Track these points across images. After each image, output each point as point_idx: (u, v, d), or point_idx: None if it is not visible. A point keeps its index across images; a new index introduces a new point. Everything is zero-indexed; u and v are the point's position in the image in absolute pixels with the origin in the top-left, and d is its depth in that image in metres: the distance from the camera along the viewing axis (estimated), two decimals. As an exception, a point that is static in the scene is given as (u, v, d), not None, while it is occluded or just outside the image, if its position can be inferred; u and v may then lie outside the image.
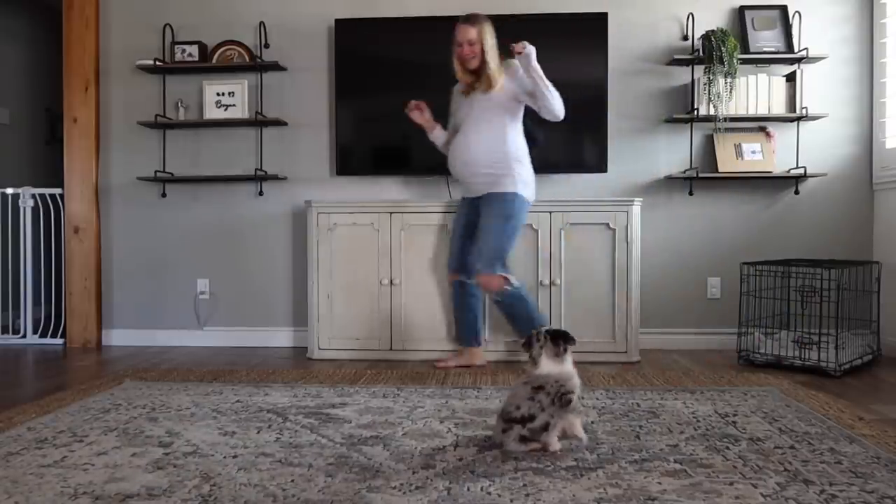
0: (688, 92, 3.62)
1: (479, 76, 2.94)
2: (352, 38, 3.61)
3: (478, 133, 2.95)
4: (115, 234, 3.89)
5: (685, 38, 3.64)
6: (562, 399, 1.87)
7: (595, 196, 3.62)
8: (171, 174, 3.77)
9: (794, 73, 3.53)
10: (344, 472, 1.78)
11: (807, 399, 2.49)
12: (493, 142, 2.94)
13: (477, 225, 3.01)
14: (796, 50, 3.53)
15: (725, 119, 3.45)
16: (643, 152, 3.68)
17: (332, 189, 3.75)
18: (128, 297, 3.88)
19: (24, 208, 3.94)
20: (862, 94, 3.62)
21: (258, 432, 2.13)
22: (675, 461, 1.85)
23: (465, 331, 3.20)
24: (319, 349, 3.42)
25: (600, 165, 3.54)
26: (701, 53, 3.47)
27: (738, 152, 3.57)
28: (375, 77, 3.62)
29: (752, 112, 3.52)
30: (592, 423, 2.22)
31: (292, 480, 1.72)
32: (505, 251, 2.97)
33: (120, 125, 3.85)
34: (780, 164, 3.61)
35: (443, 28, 3.57)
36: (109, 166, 3.88)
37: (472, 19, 2.92)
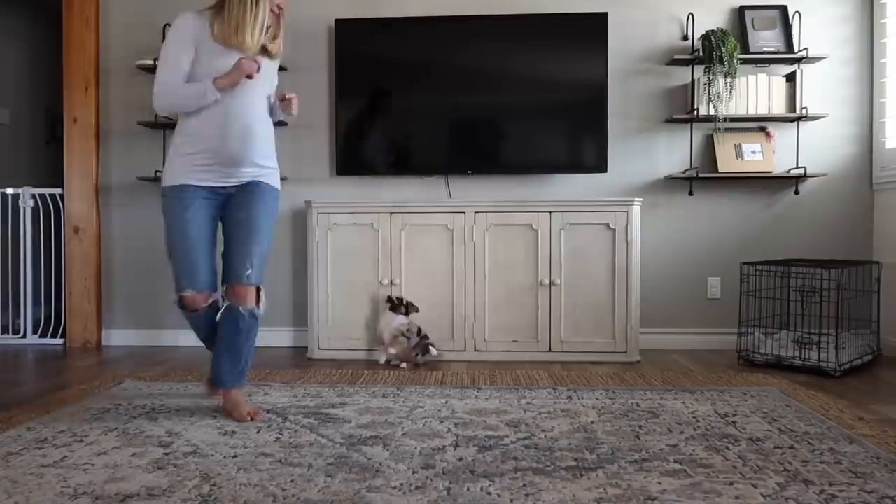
0: (688, 92, 3.62)
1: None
2: (352, 38, 3.61)
3: (262, 105, 2.34)
4: (115, 234, 3.88)
5: (685, 38, 3.64)
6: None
7: (595, 196, 3.62)
8: (171, 174, 3.76)
9: (793, 73, 3.53)
10: (344, 472, 1.78)
11: (807, 399, 2.49)
12: (268, 120, 2.39)
13: (224, 222, 2.35)
14: (796, 50, 3.53)
15: (725, 119, 3.45)
16: (643, 152, 3.68)
17: (332, 189, 3.75)
18: (128, 297, 3.88)
19: (24, 208, 3.94)
20: (862, 94, 3.62)
21: (258, 432, 2.13)
22: (675, 461, 1.85)
23: (242, 365, 2.33)
24: (319, 349, 3.42)
25: (600, 165, 3.54)
26: (701, 53, 3.47)
27: (738, 152, 3.57)
28: (375, 77, 3.62)
29: (752, 112, 3.52)
30: (592, 423, 2.22)
31: (292, 480, 1.72)
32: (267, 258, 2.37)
33: (120, 125, 3.85)
34: (780, 164, 3.61)
35: (443, 28, 3.59)
36: (109, 166, 3.88)
37: None
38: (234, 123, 2.24)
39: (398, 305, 3.25)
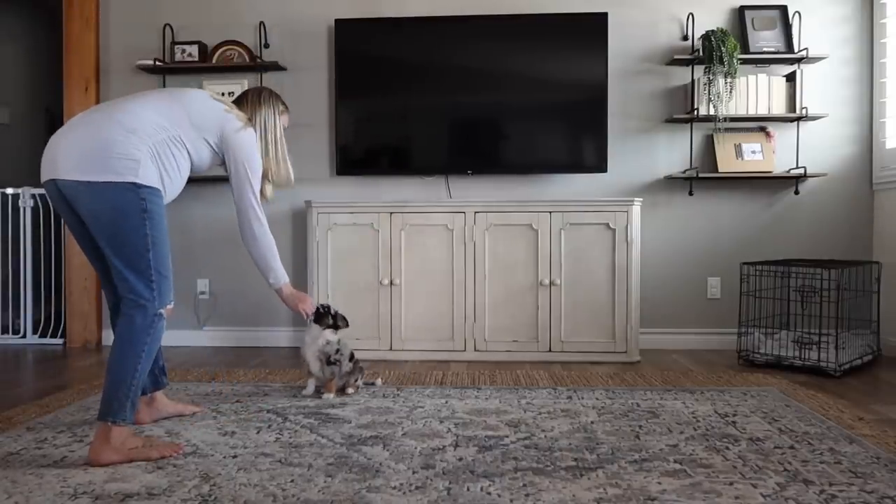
0: (688, 92, 3.62)
1: None
2: (352, 38, 3.61)
3: None
4: (115, 234, 3.88)
5: (685, 38, 3.64)
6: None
7: (595, 196, 3.62)
8: (171, 174, 3.76)
9: (793, 73, 3.53)
10: (344, 472, 1.78)
11: (806, 399, 2.49)
12: None
13: None
14: (796, 50, 3.53)
15: (725, 119, 3.45)
16: (643, 152, 3.68)
17: (332, 189, 3.75)
18: (128, 297, 3.87)
19: (24, 208, 3.94)
20: (862, 94, 3.62)
21: (258, 432, 2.13)
22: (675, 461, 1.85)
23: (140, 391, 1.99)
24: (319, 349, 3.42)
25: (600, 165, 3.54)
26: (701, 53, 3.47)
27: (738, 152, 3.57)
28: (375, 77, 3.62)
29: (752, 112, 3.52)
30: (592, 423, 2.22)
31: (292, 480, 1.72)
32: None
33: (120, 125, 3.84)
34: (780, 164, 3.61)
35: (443, 28, 3.59)
36: (109, 166, 3.87)
37: None
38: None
39: (324, 316, 2.57)
